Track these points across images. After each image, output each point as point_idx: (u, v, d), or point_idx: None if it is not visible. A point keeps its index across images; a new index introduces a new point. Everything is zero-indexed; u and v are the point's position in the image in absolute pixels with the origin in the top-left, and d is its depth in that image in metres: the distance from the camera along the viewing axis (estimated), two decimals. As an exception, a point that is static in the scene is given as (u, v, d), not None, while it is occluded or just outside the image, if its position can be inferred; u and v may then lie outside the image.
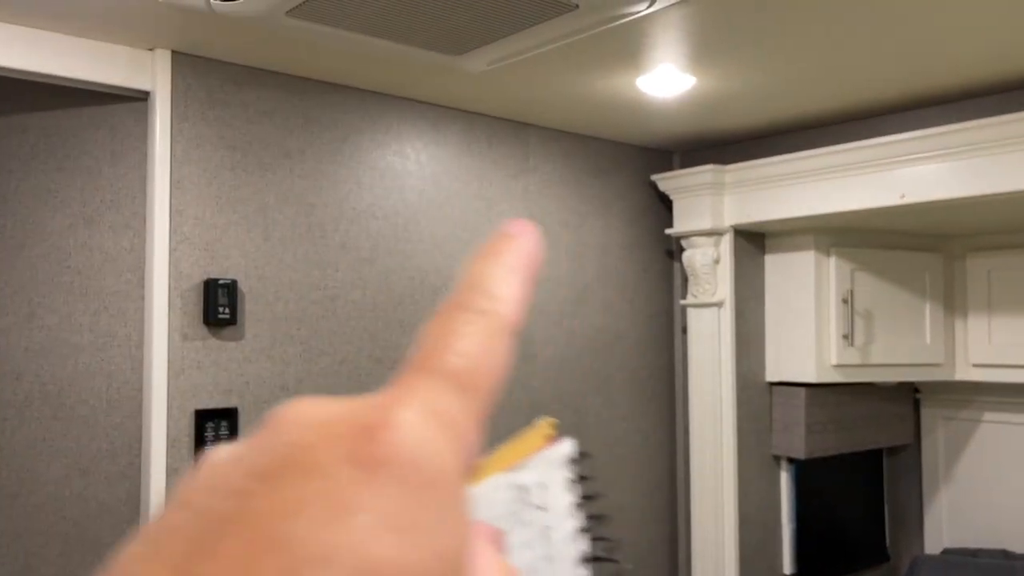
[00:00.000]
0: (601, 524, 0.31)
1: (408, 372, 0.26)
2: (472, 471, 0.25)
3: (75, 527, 1.97)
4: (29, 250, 2.00)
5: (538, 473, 0.30)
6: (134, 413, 2.00)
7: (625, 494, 2.88)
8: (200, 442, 1.99)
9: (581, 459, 0.31)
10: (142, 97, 2.01)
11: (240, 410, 2.05)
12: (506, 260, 0.29)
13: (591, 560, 0.30)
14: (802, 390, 2.72)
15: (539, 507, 0.30)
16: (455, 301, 0.28)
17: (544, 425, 0.31)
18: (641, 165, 2.97)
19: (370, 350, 2.29)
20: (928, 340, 2.78)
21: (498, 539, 0.27)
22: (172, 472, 1.96)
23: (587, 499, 0.31)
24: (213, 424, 2.00)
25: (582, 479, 0.31)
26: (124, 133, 2.03)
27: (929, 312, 2.79)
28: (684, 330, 2.97)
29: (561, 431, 0.31)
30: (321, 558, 0.20)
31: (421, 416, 0.24)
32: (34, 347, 1.99)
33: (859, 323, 2.67)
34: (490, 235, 0.27)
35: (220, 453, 0.23)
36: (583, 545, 0.30)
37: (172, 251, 1.99)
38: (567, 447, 0.31)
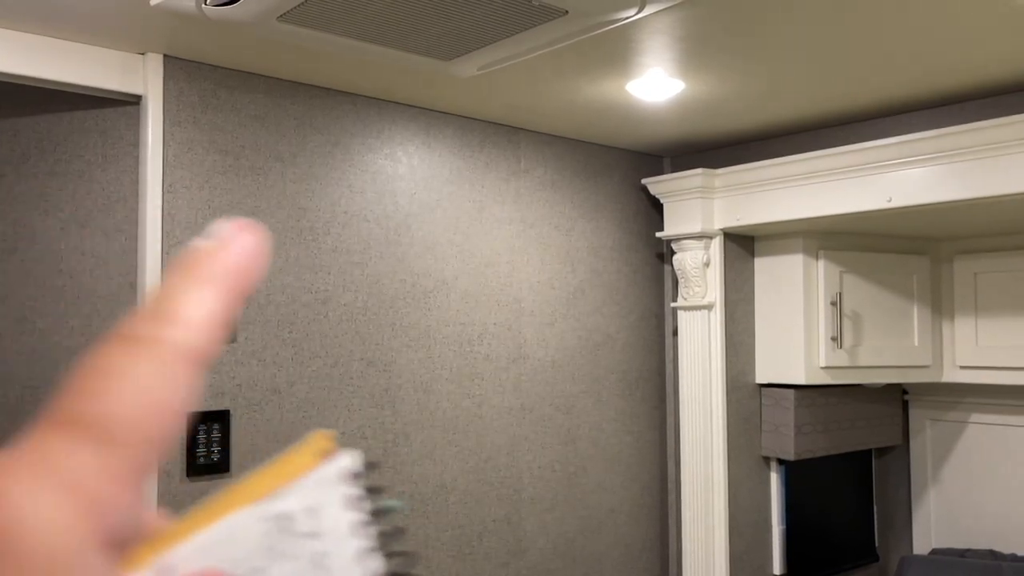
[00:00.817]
0: (395, 539, 0.29)
1: (41, 424, 0.22)
2: (135, 536, 0.22)
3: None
4: (21, 254, 2.01)
5: (306, 496, 0.27)
6: (126, 416, 2.00)
7: (616, 495, 2.89)
8: (192, 445, 1.99)
9: (368, 471, 0.28)
10: (134, 101, 2.02)
11: (232, 413, 2.06)
12: (202, 272, 0.25)
13: None
14: (791, 392, 2.74)
15: (308, 534, 0.27)
16: (121, 330, 0.24)
17: (318, 439, 0.28)
18: (632, 169, 2.99)
19: (361, 353, 2.30)
20: (916, 342, 2.81)
21: None
22: (164, 475, 1.97)
23: (377, 514, 0.28)
24: (205, 427, 2.01)
25: (371, 492, 0.28)
26: (116, 137, 2.04)
27: (917, 314, 2.82)
28: (674, 332, 2.99)
29: (341, 442, 0.28)
30: None
31: (33, 485, 0.20)
32: (26, 351, 1.99)
33: (847, 325, 2.69)
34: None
35: None
36: (373, 565, 0.28)
37: (164, 255, 1.99)
38: (346, 461, 0.28)
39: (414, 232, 2.42)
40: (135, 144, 2.03)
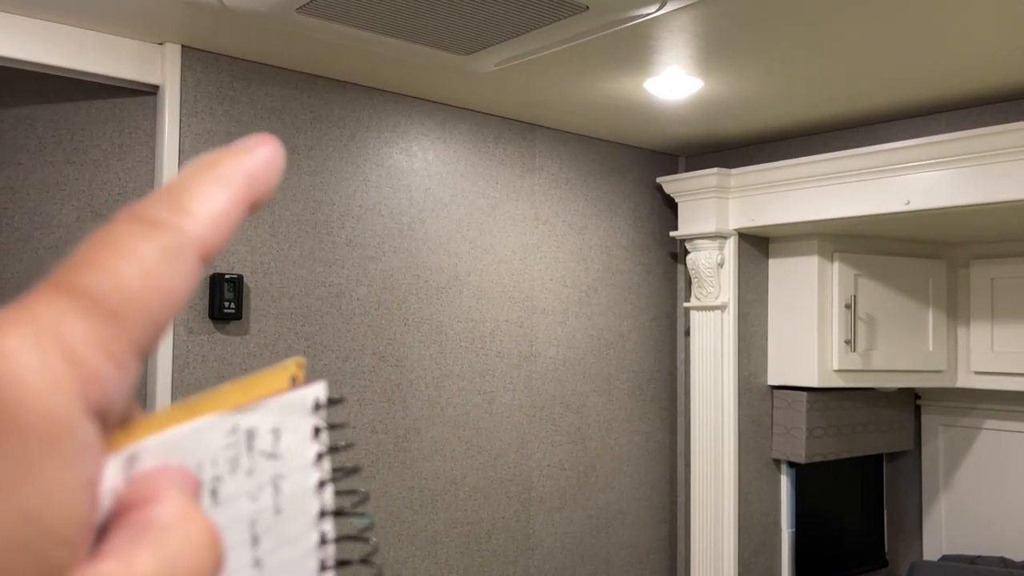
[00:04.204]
0: (349, 477, 0.28)
1: (38, 288, 0.21)
2: (114, 410, 0.22)
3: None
4: (36, 242, 2.01)
5: (272, 416, 0.27)
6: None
7: (625, 495, 2.88)
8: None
9: (331, 405, 0.28)
10: (151, 91, 2.02)
11: (244, 405, 2.06)
12: (217, 171, 0.25)
13: (335, 514, 0.28)
14: (803, 394, 2.73)
15: (269, 454, 0.26)
16: (130, 210, 0.23)
17: (291, 364, 0.28)
18: (647, 168, 2.98)
19: (374, 346, 2.29)
20: (930, 347, 2.79)
21: (193, 487, 0.24)
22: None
23: (335, 449, 0.28)
24: (217, 418, 2.01)
25: (331, 427, 0.28)
26: (133, 127, 2.04)
27: (931, 319, 2.80)
28: (687, 332, 2.98)
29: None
30: None
31: (32, 345, 0.20)
32: (40, 339, 2.00)
33: (861, 328, 2.67)
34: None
35: None
36: (325, 498, 0.27)
37: (179, 245, 1.99)
38: (315, 391, 0.28)
39: (428, 227, 2.42)
40: (151, 134, 2.03)
